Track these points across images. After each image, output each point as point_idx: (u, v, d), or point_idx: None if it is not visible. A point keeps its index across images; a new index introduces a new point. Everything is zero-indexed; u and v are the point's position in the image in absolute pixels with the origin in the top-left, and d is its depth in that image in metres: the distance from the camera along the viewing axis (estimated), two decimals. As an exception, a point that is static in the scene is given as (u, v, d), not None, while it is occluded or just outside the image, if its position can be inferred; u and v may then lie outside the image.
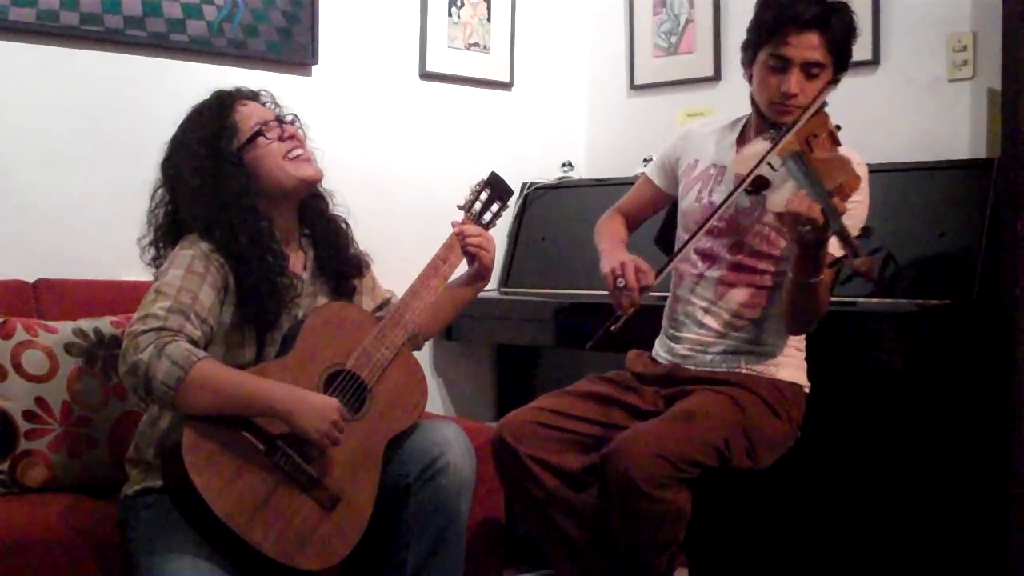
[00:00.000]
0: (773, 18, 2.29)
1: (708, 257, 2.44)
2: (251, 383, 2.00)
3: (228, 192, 2.09)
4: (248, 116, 2.17)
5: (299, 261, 2.24)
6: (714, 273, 2.43)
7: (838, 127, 2.27)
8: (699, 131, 2.57)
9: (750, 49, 2.37)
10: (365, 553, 2.07)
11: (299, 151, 2.19)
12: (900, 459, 2.66)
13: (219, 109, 2.17)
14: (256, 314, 2.09)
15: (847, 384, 2.68)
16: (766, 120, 2.35)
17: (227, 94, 2.21)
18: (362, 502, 2.07)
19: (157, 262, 2.18)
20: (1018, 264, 2.53)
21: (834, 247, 2.09)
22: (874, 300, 2.70)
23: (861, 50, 3.11)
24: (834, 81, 2.32)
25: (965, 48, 2.97)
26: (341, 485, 2.05)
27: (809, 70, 2.28)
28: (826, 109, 2.32)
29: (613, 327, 2.27)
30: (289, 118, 2.24)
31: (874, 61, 3.14)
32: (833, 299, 2.75)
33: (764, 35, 2.31)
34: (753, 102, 2.41)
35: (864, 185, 2.28)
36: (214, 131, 2.13)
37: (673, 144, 2.61)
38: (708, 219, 2.34)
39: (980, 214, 2.68)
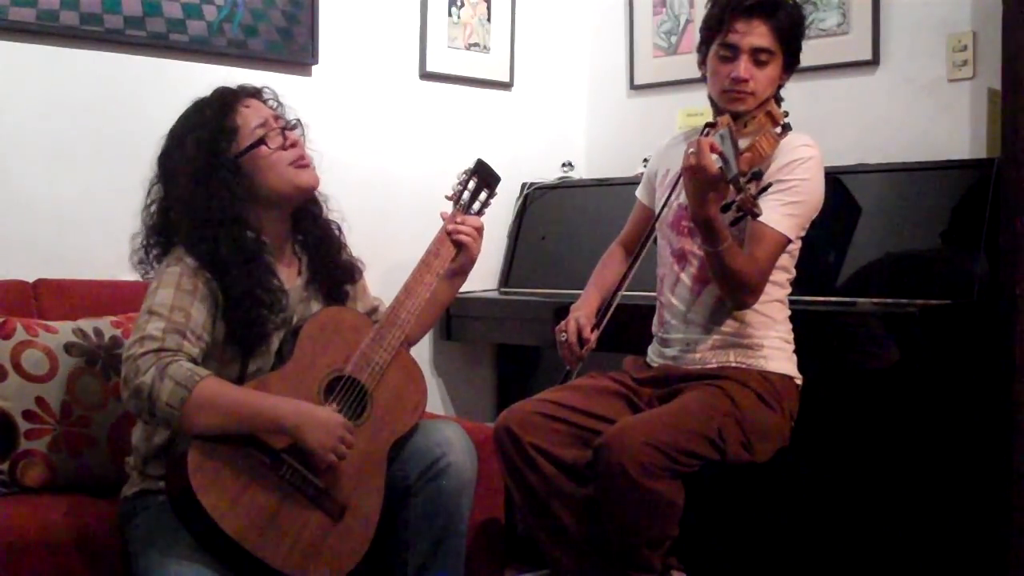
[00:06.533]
0: (719, 11, 2.41)
1: (682, 258, 2.48)
2: (256, 400, 1.98)
3: (217, 203, 2.05)
4: (250, 119, 2.13)
5: (292, 269, 2.22)
6: (689, 271, 2.47)
7: (786, 113, 2.36)
8: (670, 144, 2.64)
9: (703, 47, 2.47)
10: (366, 553, 2.07)
11: (299, 159, 2.16)
12: (901, 460, 2.66)
13: (221, 108, 2.12)
14: (242, 327, 2.06)
15: (847, 385, 2.68)
16: (721, 113, 2.40)
17: (230, 92, 2.17)
18: (369, 510, 2.06)
19: (143, 266, 2.16)
20: (1018, 264, 2.53)
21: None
22: (874, 300, 2.70)
23: (861, 50, 3.15)
24: (786, 71, 2.43)
25: (965, 48, 2.97)
26: (347, 494, 2.04)
27: (758, 56, 2.37)
28: (783, 105, 2.43)
29: (564, 381, 2.48)
30: (292, 122, 2.19)
31: (874, 61, 3.14)
32: (832, 299, 2.77)
33: (713, 28, 2.43)
34: (711, 101, 2.49)
35: (811, 166, 2.36)
36: (213, 133, 2.09)
37: (651, 162, 2.70)
38: (655, 219, 2.48)
39: (980, 214, 2.69)
